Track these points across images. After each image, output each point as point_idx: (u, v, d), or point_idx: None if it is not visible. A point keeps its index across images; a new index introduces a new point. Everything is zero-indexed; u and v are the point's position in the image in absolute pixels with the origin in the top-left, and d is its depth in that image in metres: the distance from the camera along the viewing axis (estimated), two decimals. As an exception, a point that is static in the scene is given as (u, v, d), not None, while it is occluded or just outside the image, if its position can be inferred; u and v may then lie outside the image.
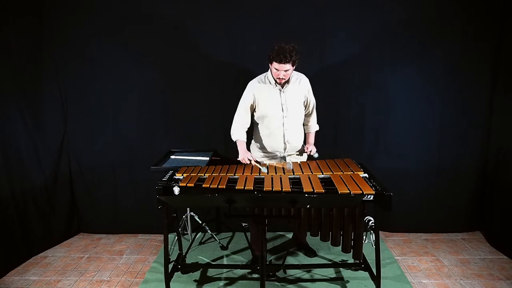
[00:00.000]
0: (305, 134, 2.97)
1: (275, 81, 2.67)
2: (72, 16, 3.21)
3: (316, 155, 2.77)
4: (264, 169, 2.53)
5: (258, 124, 2.85)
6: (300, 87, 2.78)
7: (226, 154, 3.44)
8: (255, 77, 2.79)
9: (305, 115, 2.91)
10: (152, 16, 3.21)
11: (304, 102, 2.83)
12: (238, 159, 2.74)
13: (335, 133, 3.41)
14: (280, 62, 2.51)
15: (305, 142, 2.98)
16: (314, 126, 2.98)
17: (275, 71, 2.58)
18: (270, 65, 2.64)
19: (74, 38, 3.26)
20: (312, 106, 2.90)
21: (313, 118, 2.96)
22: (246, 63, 3.25)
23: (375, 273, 2.51)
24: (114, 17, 3.21)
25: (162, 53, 3.28)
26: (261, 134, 2.85)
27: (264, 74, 2.77)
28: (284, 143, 2.81)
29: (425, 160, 3.38)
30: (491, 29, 3.13)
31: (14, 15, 3.02)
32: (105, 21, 3.22)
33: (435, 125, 3.32)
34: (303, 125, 2.95)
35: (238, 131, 2.78)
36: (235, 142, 2.79)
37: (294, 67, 2.60)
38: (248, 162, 2.67)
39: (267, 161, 2.84)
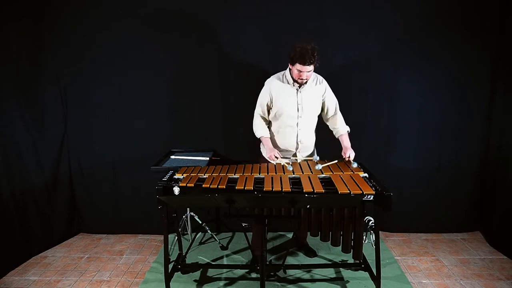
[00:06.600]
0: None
1: (294, 81, 2.64)
2: (72, 16, 3.21)
3: (354, 165, 2.57)
4: (290, 167, 2.54)
5: (272, 122, 2.84)
6: (317, 88, 2.75)
7: (226, 154, 3.44)
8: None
9: (330, 117, 2.85)
10: (152, 16, 3.21)
11: (321, 104, 2.80)
12: (266, 157, 2.73)
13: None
14: (304, 64, 2.48)
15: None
16: (343, 127, 2.84)
17: (297, 72, 2.55)
18: (290, 66, 2.60)
19: (74, 38, 3.26)
20: (334, 106, 2.83)
21: (340, 119, 2.85)
22: (247, 63, 3.25)
23: (375, 273, 2.51)
24: (114, 17, 3.21)
25: (162, 53, 3.28)
26: (274, 132, 2.84)
27: (282, 72, 2.75)
28: (297, 143, 2.80)
29: (425, 160, 3.38)
30: (491, 29, 3.13)
31: (14, 16, 3.01)
32: (105, 21, 3.22)
33: (435, 125, 3.32)
34: (332, 128, 2.89)
35: (260, 128, 2.81)
36: (259, 139, 2.81)
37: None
38: (275, 159, 2.67)
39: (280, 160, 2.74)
